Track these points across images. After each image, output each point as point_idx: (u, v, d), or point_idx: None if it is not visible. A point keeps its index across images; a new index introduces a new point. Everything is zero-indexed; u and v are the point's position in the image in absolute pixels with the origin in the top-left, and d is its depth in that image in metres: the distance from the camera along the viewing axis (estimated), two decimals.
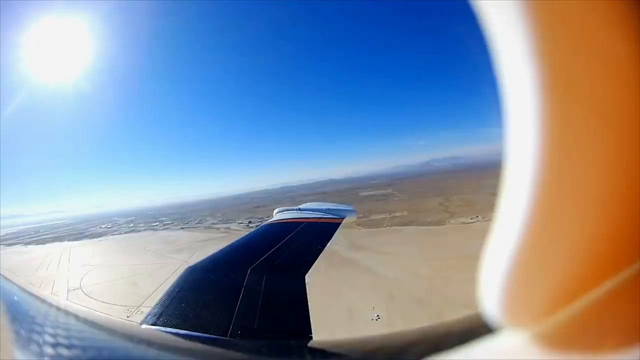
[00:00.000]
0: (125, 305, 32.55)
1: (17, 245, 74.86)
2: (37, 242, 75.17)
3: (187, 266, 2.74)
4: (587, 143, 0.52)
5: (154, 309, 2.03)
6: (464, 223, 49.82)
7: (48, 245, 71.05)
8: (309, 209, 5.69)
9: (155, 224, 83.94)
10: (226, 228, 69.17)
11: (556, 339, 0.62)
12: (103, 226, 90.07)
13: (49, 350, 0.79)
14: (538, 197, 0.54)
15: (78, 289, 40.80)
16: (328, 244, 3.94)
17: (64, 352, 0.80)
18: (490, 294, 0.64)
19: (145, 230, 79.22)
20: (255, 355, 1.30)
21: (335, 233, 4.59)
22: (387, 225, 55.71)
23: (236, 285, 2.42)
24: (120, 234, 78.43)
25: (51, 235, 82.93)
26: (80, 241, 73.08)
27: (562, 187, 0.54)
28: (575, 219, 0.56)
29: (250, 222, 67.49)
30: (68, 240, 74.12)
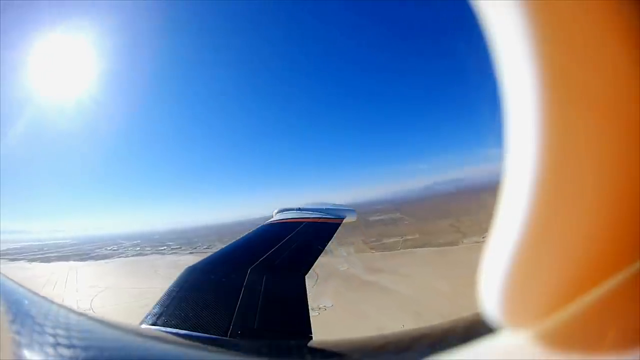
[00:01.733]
0: None
1: (21, 261, 73.13)
2: (42, 260, 73.48)
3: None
4: (586, 143, 0.52)
5: (154, 308, 2.02)
6: (477, 242, 49.84)
7: (53, 263, 69.48)
8: (309, 209, 5.62)
9: (162, 248, 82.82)
10: None
11: (556, 339, 0.62)
12: (109, 248, 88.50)
13: (49, 350, 0.78)
14: (538, 197, 0.54)
15: (89, 310, 39.99)
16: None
17: (63, 351, 0.79)
18: (490, 294, 0.63)
19: (152, 253, 77.98)
20: (255, 355, 1.29)
21: (336, 233, 4.58)
22: (400, 248, 55.70)
23: (236, 285, 2.41)
24: (126, 256, 76.91)
25: (56, 254, 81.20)
26: (86, 262, 71.69)
27: (561, 187, 0.54)
28: (575, 218, 0.56)
29: None
30: (74, 261, 72.69)
